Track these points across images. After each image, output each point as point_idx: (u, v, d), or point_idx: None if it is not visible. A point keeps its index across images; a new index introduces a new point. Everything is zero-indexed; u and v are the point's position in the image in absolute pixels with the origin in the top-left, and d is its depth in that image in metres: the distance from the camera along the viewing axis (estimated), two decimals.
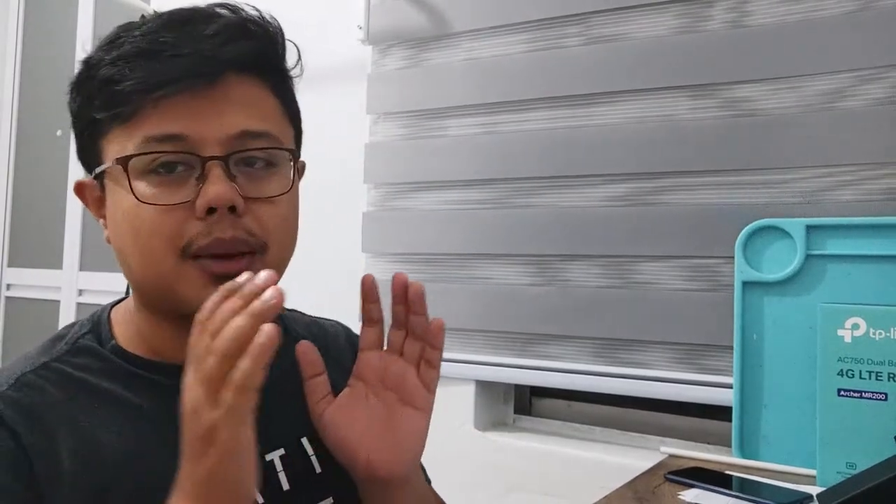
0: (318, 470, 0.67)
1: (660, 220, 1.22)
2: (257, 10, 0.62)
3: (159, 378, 0.61)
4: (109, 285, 2.02)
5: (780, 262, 0.99)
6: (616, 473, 0.86)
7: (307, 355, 0.65)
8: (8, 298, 2.45)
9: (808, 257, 0.97)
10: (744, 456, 0.96)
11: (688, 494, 0.78)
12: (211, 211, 0.57)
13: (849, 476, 0.77)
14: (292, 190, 0.63)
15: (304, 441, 0.67)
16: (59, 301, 2.26)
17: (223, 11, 0.61)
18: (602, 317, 1.26)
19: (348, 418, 0.63)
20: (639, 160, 1.24)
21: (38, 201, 2.38)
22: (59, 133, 2.28)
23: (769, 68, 1.13)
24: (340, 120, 1.51)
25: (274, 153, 0.61)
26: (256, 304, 0.48)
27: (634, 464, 0.95)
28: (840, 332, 0.86)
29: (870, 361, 0.84)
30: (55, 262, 2.28)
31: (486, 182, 1.39)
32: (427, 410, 0.65)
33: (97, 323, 0.65)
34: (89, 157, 0.62)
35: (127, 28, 0.60)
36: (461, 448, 1.38)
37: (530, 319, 1.33)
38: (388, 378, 0.65)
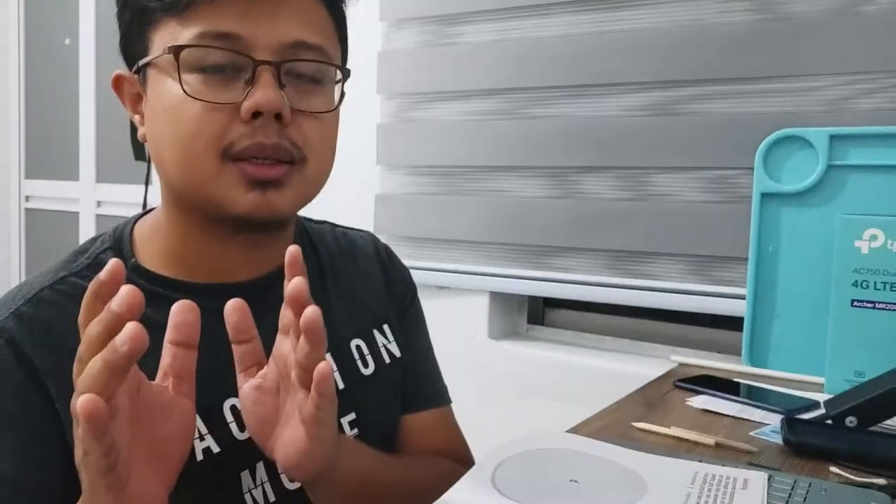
0: (341, 386, 0.68)
1: (679, 130, 1.20)
2: None
3: (183, 297, 0.60)
4: (127, 197, 2.04)
5: (801, 173, 0.97)
6: (627, 381, 0.88)
7: (238, 314, 0.55)
8: (28, 210, 2.48)
9: (829, 168, 0.95)
10: (753, 364, 0.98)
11: (696, 401, 0.80)
12: (256, 115, 0.56)
13: (857, 384, 0.78)
14: (336, 109, 0.63)
15: (328, 356, 0.67)
16: (78, 213, 2.29)
17: None
18: (617, 229, 1.26)
19: (260, 402, 0.55)
20: (661, 68, 1.20)
21: (51, 112, 2.37)
22: (67, 41, 2.24)
23: None
24: (351, 27, 1.47)
25: (323, 69, 0.61)
26: (110, 355, 0.42)
27: (645, 372, 0.97)
28: (857, 243, 0.86)
29: (885, 272, 0.84)
30: (72, 173, 2.29)
31: (501, 91, 1.36)
32: (314, 438, 0.51)
33: (119, 238, 0.64)
34: (134, 48, 0.61)
35: None
36: (476, 356, 1.41)
37: (545, 232, 1.33)
38: (288, 379, 0.54)
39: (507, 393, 1.38)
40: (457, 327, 1.43)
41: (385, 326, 0.74)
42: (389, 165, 1.48)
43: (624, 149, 1.25)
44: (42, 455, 0.56)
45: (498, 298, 1.43)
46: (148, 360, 0.47)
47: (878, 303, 0.85)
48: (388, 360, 0.73)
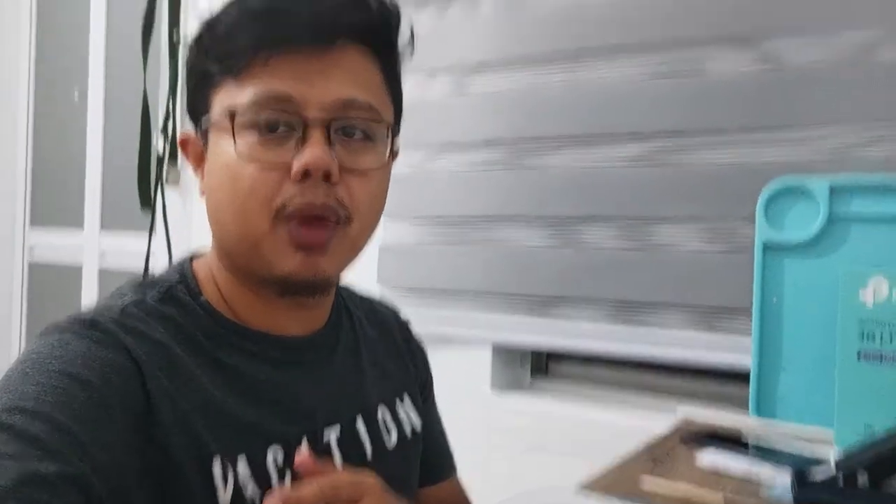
0: (370, 456, 0.68)
1: (679, 180, 1.21)
2: None
3: (243, 343, 0.62)
4: (131, 246, 2.04)
5: (803, 222, 0.97)
6: (632, 435, 0.87)
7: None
8: (31, 265, 2.48)
9: (831, 218, 0.95)
10: (761, 417, 0.97)
11: (703, 456, 0.78)
12: (306, 175, 0.57)
13: (867, 437, 0.77)
14: (385, 166, 0.64)
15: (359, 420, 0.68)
16: (81, 268, 2.28)
17: None
18: (619, 279, 1.26)
19: None
20: (661, 118, 1.22)
21: (58, 160, 2.40)
22: (76, 94, 2.28)
23: (799, 21, 1.11)
24: None
25: (373, 126, 0.62)
26: None
27: (651, 426, 0.95)
28: (862, 295, 0.85)
29: (891, 324, 0.84)
30: (77, 220, 2.30)
31: (503, 142, 1.37)
32: None
33: (184, 275, 0.65)
34: (197, 109, 0.63)
35: None
36: (478, 410, 1.40)
37: (547, 282, 1.32)
38: None
39: (509, 447, 1.35)
40: (459, 379, 1.41)
41: (406, 395, 0.75)
42: (393, 216, 1.48)
43: (625, 198, 1.25)
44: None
45: (501, 350, 1.42)
46: (223, 398, 0.55)
47: (886, 355, 0.84)
48: (409, 432, 0.73)
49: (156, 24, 1.83)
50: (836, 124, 1.09)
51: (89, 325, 0.55)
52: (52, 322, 0.57)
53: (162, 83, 1.89)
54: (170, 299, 0.61)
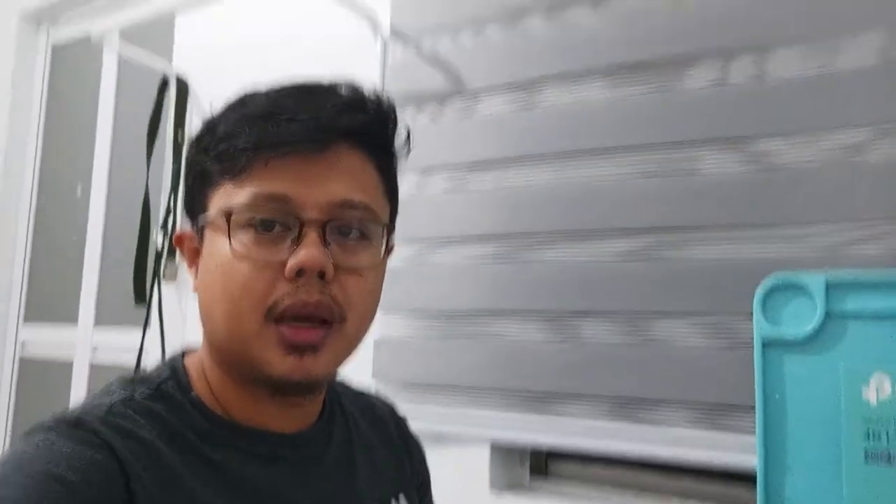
0: None
1: (676, 275, 1.21)
2: (374, 88, 0.65)
3: (233, 439, 0.61)
4: (123, 342, 2.02)
5: (800, 318, 0.97)
6: None
7: None
8: (22, 360, 2.45)
9: (828, 314, 0.95)
10: None
11: None
12: (300, 273, 0.58)
13: None
14: (380, 265, 0.64)
15: None
16: (72, 363, 2.25)
17: (343, 87, 0.63)
18: (618, 375, 1.24)
19: None
20: (655, 214, 1.24)
21: (57, 257, 2.40)
22: (78, 190, 2.32)
23: (790, 122, 1.14)
24: None
25: (369, 225, 0.63)
26: None
27: None
28: (865, 393, 0.84)
29: None
30: (72, 316, 2.28)
31: (499, 236, 1.39)
32: None
33: (175, 371, 0.64)
34: (195, 206, 0.64)
35: (252, 92, 0.64)
36: None
37: (545, 377, 1.30)
38: None
39: None
40: (457, 479, 1.36)
41: (402, 495, 0.73)
42: (388, 309, 1.48)
43: (621, 293, 1.25)
44: None
45: (499, 448, 1.38)
46: (209, 497, 0.52)
47: (893, 455, 0.82)
48: None
49: (161, 124, 1.89)
50: (826, 222, 1.10)
51: (74, 425, 0.55)
52: (37, 422, 0.56)
53: (164, 181, 1.93)
54: (159, 396, 0.61)
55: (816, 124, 1.12)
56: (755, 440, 0.96)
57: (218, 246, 0.60)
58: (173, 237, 0.68)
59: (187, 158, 0.66)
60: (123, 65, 2.23)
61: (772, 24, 1.17)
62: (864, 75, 1.09)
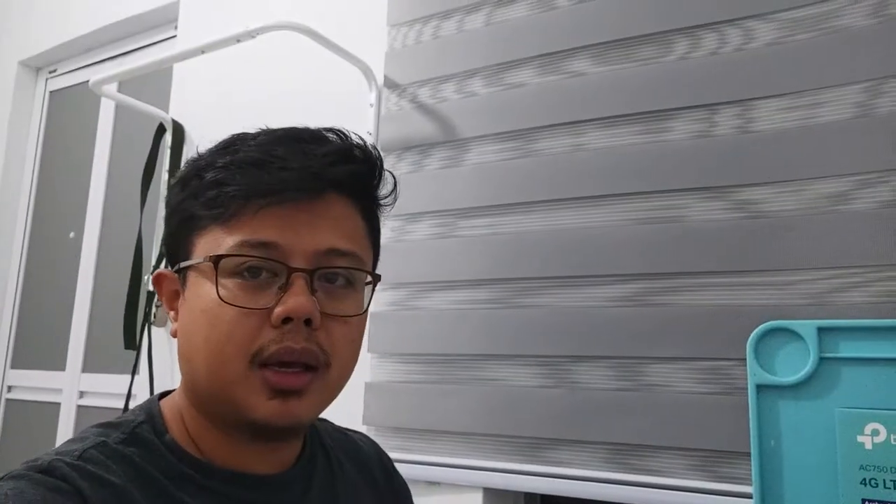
0: None
1: (669, 320, 1.21)
2: (362, 138, 0.66)
3: (209, 482, 0.60)
4: (110, 387, 2.00)
5: (794, 364, 0.97)
6: None
7: None
8: (8, 401, 2.42)
9: (821, 360, 0.95)
10: None
11: None
12: (287, 321, 0.57)
13: None
14: (364, 312, 0.64)
15: None
16: (59, 403, 2.23)
17: (332, 136, 0.64)
18: (613, 420, 1.23)
19: None
20: (646, 261, 1.24)
21: (47, 303, 2.39)
22: (71, 235, 2.32)
23: (774, 172, 1.16)
24: None
25: (355, 273, 0.63)
26: None
27: None
28: (860, 439, 0.84)
29: (893, 470, 0.81)
30: (59, 363, 2.26)
31: (492, 282, 1.39)
32: None
33: (151, 415, 0.63)
34: (178, 249, 0.63)
35: (242, 137, 0.64)
36: None
37: (539, 423, 1.29)
38: None
39: None
40: None
41: None
42: (380, 353, 1.47)
43: (614, 338, 1.25)
44: None
45: (492, 495, 1.36)
46: None
47: (891, 502, 0.81)
48: None
49: (157, 169, 1.90)
50: (812, 269, 1.11)
51: (44, 471, 0.54)
52: (9, 471, 0.55)
53: (158, 227, 1.93)
54: (133, 440, 0.60)
55: (800, 174, 1.14)
56: (752, 489, 0.95)
57: (203, 290, 0.59)
58: (151, 277, 0.67)
59: (171, 200, 0.65)
60: (120, 110, 2.26)
61: (757, 78, 1.20)
62: (844, 127, 1.11)
